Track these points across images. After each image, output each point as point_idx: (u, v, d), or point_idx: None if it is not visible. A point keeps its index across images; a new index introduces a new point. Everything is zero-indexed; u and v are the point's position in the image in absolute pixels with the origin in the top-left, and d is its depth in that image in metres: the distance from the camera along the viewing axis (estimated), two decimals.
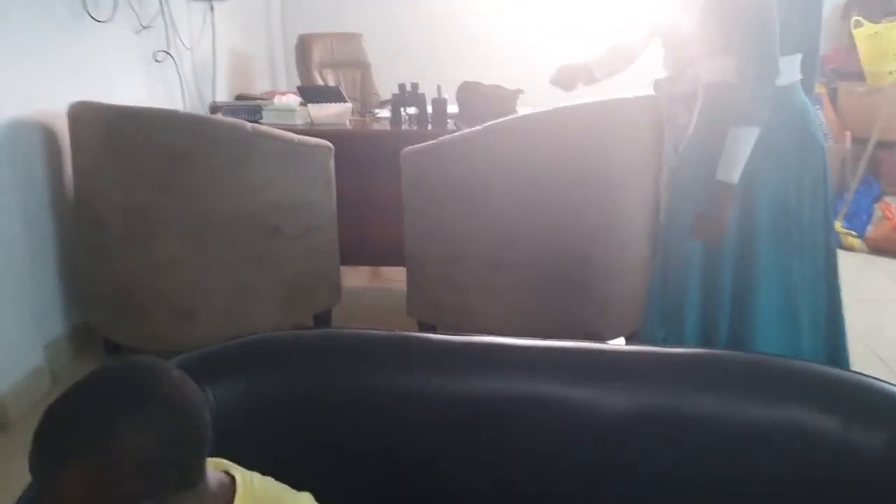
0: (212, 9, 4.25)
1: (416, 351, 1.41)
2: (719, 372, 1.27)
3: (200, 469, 0.97)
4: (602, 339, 2.56)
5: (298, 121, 3.52)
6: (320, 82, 4.53)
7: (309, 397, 1.34)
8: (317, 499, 1.10)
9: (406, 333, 1.47)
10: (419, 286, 2.92)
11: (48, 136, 2.82)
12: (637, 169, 2.72)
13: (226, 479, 1.04)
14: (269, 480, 1.08)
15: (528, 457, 1.34)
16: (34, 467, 0.89)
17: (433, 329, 2.79)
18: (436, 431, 1.39)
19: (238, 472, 1.05)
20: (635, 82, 2.68)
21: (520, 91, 3.65)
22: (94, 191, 2.72)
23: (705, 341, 2.17)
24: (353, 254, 3.29)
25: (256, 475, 1.07)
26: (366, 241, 3.41)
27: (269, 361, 1.37)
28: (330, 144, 2.87)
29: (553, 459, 1.31)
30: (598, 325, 2.74)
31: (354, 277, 3.84)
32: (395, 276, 3.39)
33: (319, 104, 3.58)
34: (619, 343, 2.75)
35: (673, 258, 2.23)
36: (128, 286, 2.74)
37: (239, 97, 4.43)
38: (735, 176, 1.93)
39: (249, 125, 2.69)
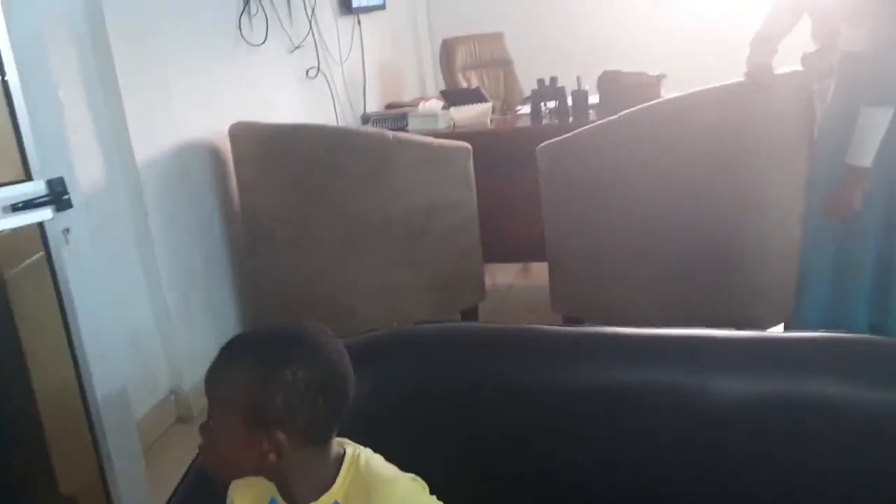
0: (359, 22, 4.46)
1: (542, 343, 1.44)
2: (844, 355, 1.21)
3: (331, 429, 1.10)
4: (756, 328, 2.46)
5: (441, 124, 3.63)
6: (464, 84, 4.63)
7: (432, 388, 1.41)
8: (436, 486, 1.15)
9: (531, 326, 1.50)
10: (562, 280, 2.93)
11: (215, 154, 3.09)
12: (786, 148, 2.58)
13: (340, 451, 1.13)
14: (379, 458, 1.15)
15: (660, 446, 1.33)
16: (209, 371, 1.08)
17: (579, 323, 2.79)
18: (562, 422, 1.41)
19: (350, 446, 1.15)
20: (778, 60, 2.55)
21: (663, 76, 3.56)
22: (257, 203, 2.96)
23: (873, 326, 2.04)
24: (497, 251, 3.34)
25: (367, 451, 1.15)
26: (509, 238, 3.45)
27: (394, 354, 1.46)
28: (468, 146, 2.94)
29: (678, 447, 1.30)
30: (750, 312, 2.63)
31: (504, 274, 3.90)
32: (544, 272, 3.42)
33: (461, 106, 3.68)
34: (776, 330, 2.62)
35: (814, 235, 2.11)
36: (293, 288, 2.96)
37: (388, 106, 4.62)
38: (866, 160, 1.80)
39: (391, 134, 2.81)
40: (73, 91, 2.43)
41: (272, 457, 1.05)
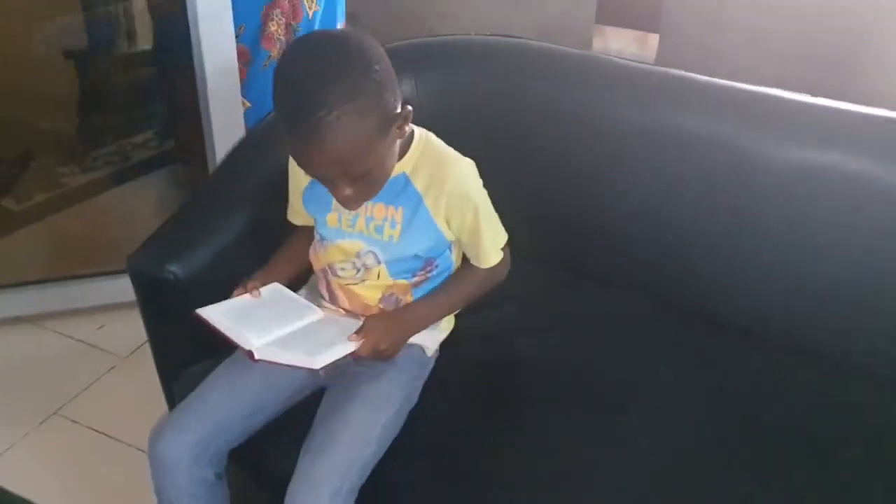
0: None
1: (611, 74, 1.42)
2: None
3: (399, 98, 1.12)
4: None
5: None
6: None
7: (496, 98, 1.43)
8: (483, 173, 1.22)
9: (604, 56, 1.48)
10: (670, 49, 2.80)
11: None
12: None
13: (409, 130, 1.20)
14: (442, 143, 1.23)
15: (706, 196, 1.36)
16: (301, 123, 1.02)
17: None
18: (612, 157, 1.43)
19: (418, 129, 1.23)
20: None
21: None
22: None
23: None
24: (612, 13, 3.18)
25: (432, 135, 1.23)
26: (628, 2, 3.27)
27: (466, 60, 1.47)
28: None
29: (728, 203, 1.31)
30: None
31: (617, 39, 3.72)
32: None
33: None
34: None
35: None
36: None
37: None
38: None
39: None
40: None
41: (405, 128, 1.12)
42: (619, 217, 1.45)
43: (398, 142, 1.14)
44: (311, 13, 1.82)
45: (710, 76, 1.45)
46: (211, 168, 2.13)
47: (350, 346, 1.13)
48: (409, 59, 1.52)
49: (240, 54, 1.84)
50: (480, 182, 1.21)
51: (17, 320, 2.14)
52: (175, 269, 1.28)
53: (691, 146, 1.36)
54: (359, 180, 1.09)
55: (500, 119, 1.50)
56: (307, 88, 1.02)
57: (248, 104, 1.91)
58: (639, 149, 1.40)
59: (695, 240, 1.40)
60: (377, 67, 1.05)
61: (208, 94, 1.98)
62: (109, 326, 2.12)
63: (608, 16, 3.14)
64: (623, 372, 1.33)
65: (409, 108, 1.12)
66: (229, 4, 1.97)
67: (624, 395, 1.28)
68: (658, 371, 1.32)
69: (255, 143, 1.52)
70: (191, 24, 1.92)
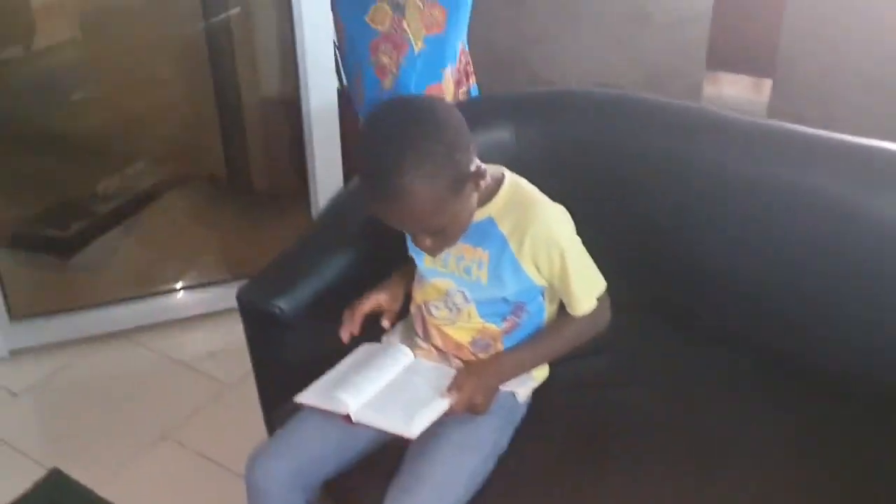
0: None
1: (709, 126, 1.41)
2: None
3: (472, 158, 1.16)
4: None
5: None
6: None
7: (597, 149, 1.44)
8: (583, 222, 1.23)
9: (706, 108, 1.47)
10: (783, 95, 2.72)
11: None
12: None
13: (499, 175, 1.26)
14: (532, 187, 1.26)
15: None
16: (377, 185, 1.10)
17: None
18: (717, 209, 1.41)
19: (509, 174, 1.27)
20: None
21: None
22: None
23: None
24: (725, 58, 3.12)
25: (523, 180, 1.27)
26: (744, 46, 3.20)
27: (566, 111, 1.49)
28: None
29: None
30: None
31: (730, 86, 3.65)
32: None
33: None
34: None
35: None
36: (502, 47, 2.97)
37: None
38: None
39: None
40: None
41: (481, 183, 1.16)
42: (721, 272, 1.42)
43: (475, 194, 1.18)
44: (417, 49, 1.88)
45: (824, 123, 1.42)
46: (312, 201, 2.25)
47: (444, 405, 1.17)
48: (510, 108, 1.56)
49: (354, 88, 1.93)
50: (571, 227, 1.23)
51: (112, 336, 2.28)
52: (281, 303, 1.35)
53: (801, 203, 1.33)
54: (437, 233, 1.15)
55: (601, 170, 1.52)
56: (381, 152, 1.09)
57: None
58: (745, 204, 1.37)
59: (801, 297, 1.36)
60: (448, 131, 1.11)
61: (312, 130, 2.13)
62: (218, 353, 2.22)
63: (719, 61, 3.08)
64: (721, 426, 1.30)
65: (483, 166, 1.16)
66: (332, 53, 2.09)
67: (721, 450, 1.25)
68: (756, 427, 1.28)
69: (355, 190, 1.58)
70: (299, 63, 2.04)
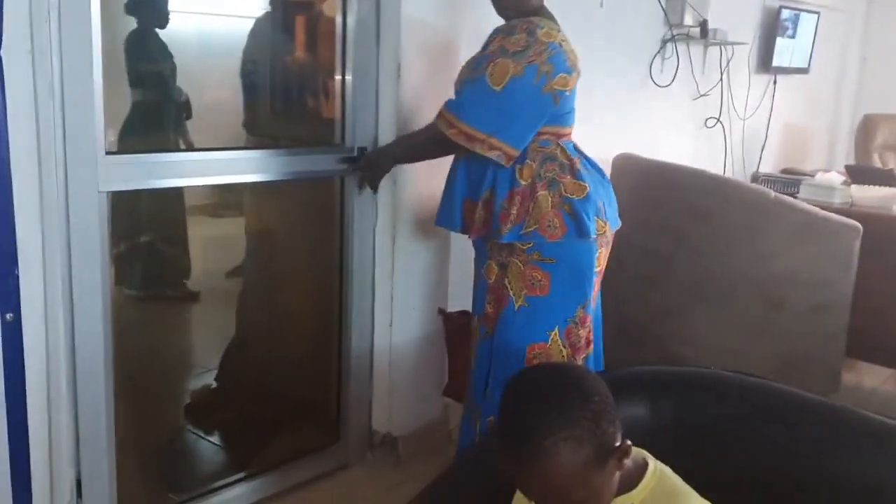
0: (774, 82, 4.31)
1: (856, 428, 1.33)
2: None
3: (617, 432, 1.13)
4: None
5: (837, 199, 3.36)
6: (878, 164, 4.22)
7: (730, 434, 1.44)
8: None
9: (852, 409, 1.40)
10: None
11: None
12: None
13: (641, 461, 1.20)
14: (678, 478, 1.20)
15: None
16: (518, 445, 1.08)
17: None
18: None
19: (652, 461, 1.21)
20: None
21: None
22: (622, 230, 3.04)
23: None
24: (866, 348, 3.01)
25: (668, 469, 1.21)
26: (884, 337, 3.08)
27: (705, 394, 1.48)
28: (858, 226, 2.70)
29: None
30: None
31: (872, 376, 3.48)
32: None
33: (864, 185, 3.37)
34: None
35: None
36: (635, 320, 2.99)
37: (784, 171, 4.39)
38: None
39: (773, 193, 2.70)
40: None
41: (625, 462, 1.13)
42: None
43: (618, 474, 1.13)
44: (517, 306, 1.96)
45: None
46: None
47: None
48: (646, 385, 1.54)
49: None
50: None
51: None
52: None
53: None
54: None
55: (735, 457, 1.45)
56: (526, 412, 1.09)
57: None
58: None
59: None
60: (596, 398, 1.09)
61: None
62: None
63: (860, 350, 2.97)
64: None
65: (629, 442, 1.13)
66: None
67: None
68: None
69: (484, 451, 1.55)
70: None
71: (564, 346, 1.95)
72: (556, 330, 1.95)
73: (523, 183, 1.91)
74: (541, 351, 1.93)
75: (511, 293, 1.94)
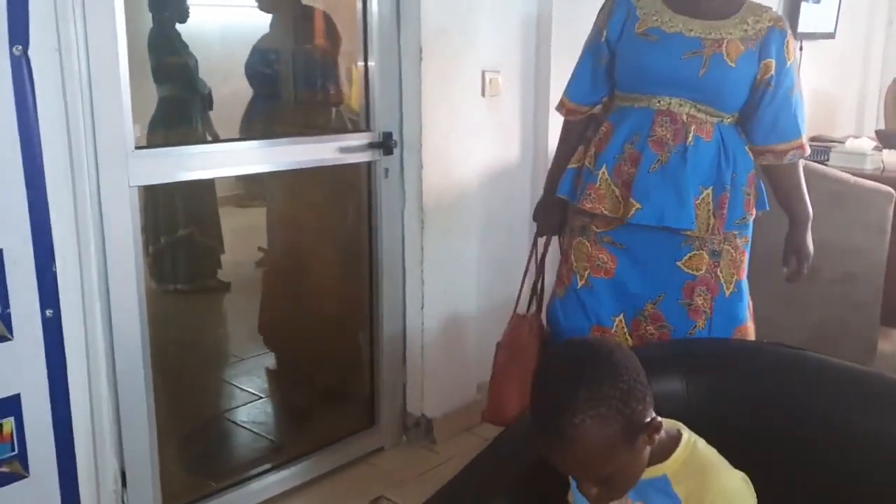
0: (800, 48, 4.22)
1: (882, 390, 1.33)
2: None
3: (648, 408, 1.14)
4: None
5: (868, 165, 3.32)
6: None
7: (768, 405, 1.42)
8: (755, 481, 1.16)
9: (874, 372, 1.40)
10: None
11: None
12: None
13: (675, 433, 1.21)
14: (711, 450, 1.20)
15: None
16: (548, 423, 1.10)
17: None
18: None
19: (686, 432, 1.22)
20: None
21: None
22: None
23: None
24: None
25: (701, 441, 1.21)
26: None
27: (740, 366, 1.48)
28: (892, 191, 2.66)
29: None
30: None
31: None
32: None
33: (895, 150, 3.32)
34: None
35: None
36: None
37: (813, 139, 4.32)
38: None
39: (803, 161, 2.66)
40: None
41: (655, 437, 1.14)
42: None
43: (648, 448, 1.14)
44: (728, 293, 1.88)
45: None
46: None
47: None
48: (680, 359, 1.54)
49: None
50: (752, 497, 1.16)
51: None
52: None
53: None
54: (604, 482, 1.11)
55: (772, 427, 1.45)
56: (555, 390, 1.10)
57: None
58: None
59: None
60: (625, 377, 1.10)
61: None
62: None
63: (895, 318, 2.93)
64: None
65: (659, 419, 1.14)
66: None
67: None
68: None
69: (520, 432, 1.56)
70: None
71: (752, 322, 1.94)
72: (749, 306, 1.93)
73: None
74: (745, 333, 1.90)
75: (722, 281, 1.86)
